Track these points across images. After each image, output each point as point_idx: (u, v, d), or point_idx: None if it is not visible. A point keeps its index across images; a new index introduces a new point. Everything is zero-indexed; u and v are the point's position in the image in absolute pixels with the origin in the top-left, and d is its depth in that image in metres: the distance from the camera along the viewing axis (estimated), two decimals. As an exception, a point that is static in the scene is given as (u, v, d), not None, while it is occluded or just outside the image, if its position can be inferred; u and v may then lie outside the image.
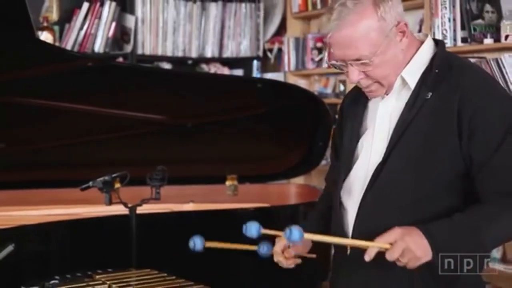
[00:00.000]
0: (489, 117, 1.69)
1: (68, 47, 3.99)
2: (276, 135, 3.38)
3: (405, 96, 1.78)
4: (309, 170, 3.60)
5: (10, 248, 2.24)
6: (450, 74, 1.74)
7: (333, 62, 1.80)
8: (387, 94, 1.81)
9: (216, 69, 4.54)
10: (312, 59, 4.31)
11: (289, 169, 3.51)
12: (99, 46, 4.08)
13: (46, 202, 3.11)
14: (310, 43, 4.31)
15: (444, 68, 1.75)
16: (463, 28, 3.17)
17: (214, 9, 4.46)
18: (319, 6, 4.21)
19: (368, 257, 1.64)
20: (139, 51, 4.24)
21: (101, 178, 2.49)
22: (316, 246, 1.96)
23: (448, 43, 3.17)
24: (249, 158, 3.39)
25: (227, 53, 4.54)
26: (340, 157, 1.92)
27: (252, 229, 1.83)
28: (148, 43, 4.26)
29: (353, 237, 1.80)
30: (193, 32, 4.40)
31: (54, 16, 4.02)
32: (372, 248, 1.64)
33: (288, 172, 3.57)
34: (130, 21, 4.20)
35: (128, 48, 4.20)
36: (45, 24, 3.93)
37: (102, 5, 4.09)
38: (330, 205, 1.94)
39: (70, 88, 2.89)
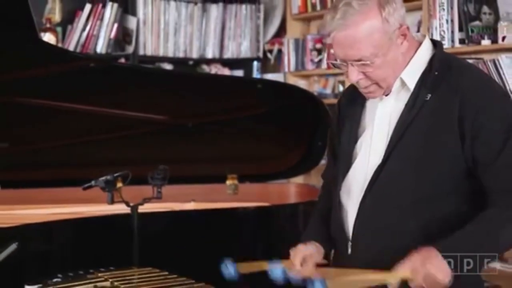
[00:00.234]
0: (490, 117, 1.69)
1: (71, 48, 4.00)
2: (276, 135, 3.39)
3: (404, 97, 1.78)
4: (308, 169, 3.61)
5: (13, 246, 2.20)
6: (450, 75, 1.74)
7: (333, 61, 1.79)
8: (385, 95, 1.80)
9: (216, 69, 4.54)
10: (312, 60, 4.31)
11: (289, 168, 3.52)
12: (101, 47, 4.09)
13: (49, 201, 3.12)
14: (310, 44, 4.31)
15: (444, 69, 1.75)
16: (460, 29, 3.19)
17: (214, 11, 4.47)
18: (318, 7, 4.21)
19: None
20: (141, 52, 4.25)
21: (103, 178, 2.49)
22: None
23: (446, 44, 3.18)
24: (249, 157, 3.40)
25: (228, 54, 4.54)
26: (338, 157, 1.92)
27: (277, 273, 1.84)
28: (150, 44, 4.27)
29: (353, 238, 1.80)
30: (194, 33, 4.41)
31: (57, 17, 4.02)
32: (395, 281, 1.63)
33: (288, 172, 3.57)
34: (132, 22, 4.21)
35: (130, 49, 4.21)
36: (48, 25, 3.94)
37: (104, 6, 4.10)
38: (330, 206, 1.94)
39: (73, 88, 2.90)
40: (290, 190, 3.70)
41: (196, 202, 3.27)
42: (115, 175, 2.52)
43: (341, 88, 4.21)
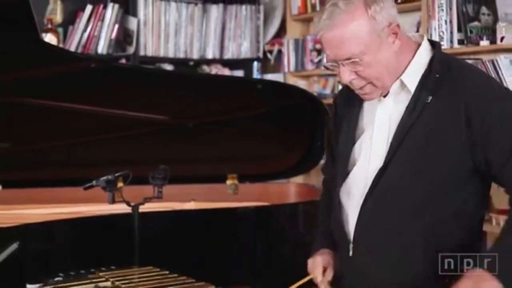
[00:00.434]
0: (499, 117, 1.69)
1: (72, 48, 4.00)
2: (276, 135, 3.40)
3: (403, 99, 1.77)
4: (308, 169, 3.62)
5: (14, 246, 2.23)
6: (450, 77, 1.73)
7: (325, 64, 1.81)
8: (383, 97, 1.80)
9: (217, 70, 4.54)
10: (311, 61, 4.31)
11: (289, 168, 3.53)
12: (102, 47, 4.09)
13: (50, 201, 3.13)
14: (310, 45, 4.32)
15: (444, 71, 1.74)
16: (459, 30, 3.18)
17: (215, 11, 4.47)
18: (318, 8, 4.20)
19: None
20: (142, 53, 4.25)
21: (104, 177, 2.50)
22: None
23: (445, 45, 3.18)
24: (249, 157, 3.41)
25: (228, 55, 4.55)
26: (336, 158, 1.91)
27: None
28: (150, 44, 4.27)
29: (354, 240, 1.80)
30: (194, 34, 4.42)
31: (58, 18, 4.03)
32: None
33: (287, 172, 3.58)
34: (132, 23, 4.21)
35: (131, 49, 4.21)
36: (49, 26, 3.94)
37: (105, 7, 4.10)
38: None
39: (74, 88, 2.90)
40: (290, 190, 3.71)
41: (196, 202, 3.28)
42: (116, 175, 2.53)
43: (340, 89, 4.21)
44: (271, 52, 4.69)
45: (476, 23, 3.18)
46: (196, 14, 4.42)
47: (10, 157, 3.06)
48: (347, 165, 1.85)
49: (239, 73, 4.68)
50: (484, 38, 3.15)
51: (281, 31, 4.65)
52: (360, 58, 1.71)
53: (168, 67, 4.39)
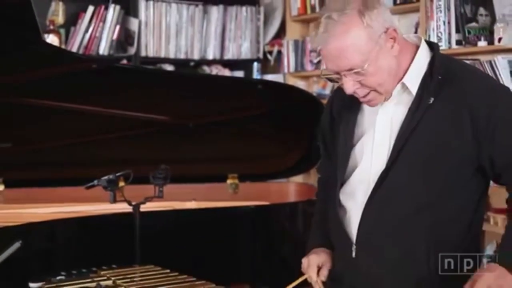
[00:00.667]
0: (503, 117, 1.69)
1: (74, 49, 4.00)
2: (275, 135, 3.41)
3: (405, 101, 1.77)
4: (308, 169, 3.64)
5: (17, 244, 2.21)
6: (451, 79, 1.73)
7: (328, 75, 1.78)
8: (386, 101, 1.79)
9: (217, 70, 4.54)
10: (311, 61, 4.30)
11: (289, 168, 3.55)
12: (103, 48, 4.10)
13: (52, 200, 3.14)
14: (309, 46, 4.28)
15: (445, 73, 1.74)
16: (457, 31, 3.18)
17: (215, 13, 4.48)
18: (317, 9, 4.20)
19: None
20: (143, 53, 4.25)
21: (106, 177, 2.51)
22: None
23: (443, 45, 3.18)
24: (250, 157, 3.42)
25: (228, 55, 4.55)
26: (335, 158, 1.91)
27: None
28: (152, 45, 4.28)
29: (358, 242, 1.79)
30: (195, 35, 4.42)
31: (60, 19, 4.03)
32: None
33: (287, 171, 3.60)
34: (134, 24, 4.22)
35: (132, 50, 4.21)
36: (51, 27, 3.94)
37: (106, 8, 4.11)
38: (329, 206, 1.94)
39: (76, 89, 2.92)
40: (290, 189, 3.74)
41: (197, 201, 3.29)
42: (118, 174, 2.54)
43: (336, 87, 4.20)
44: (271, 52, 4.69)
45: (474, 24, 3.18)
46: (196, 15, 4.43)
47: (13, 157, 3.07)
48: (347, 167, 1.85)
49: (239, 73, 4.68)
50: (482, 38, 3.15)
51: (281, 32, 4.65)
52: (362, 67, 1.69)
53: (169, 67, 4.39)
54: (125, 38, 4.26)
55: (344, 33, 1.68)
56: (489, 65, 2.97)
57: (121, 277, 2.13)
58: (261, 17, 4.63)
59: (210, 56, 4.51)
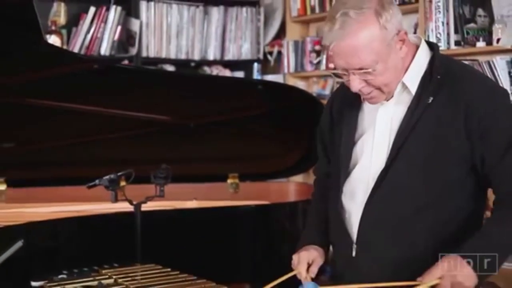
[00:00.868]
0: (495, 118, 1.71)
1: (75, 50, 4.01)
2: (276, 135, 3.41)
3: (404, 100, 1.79)
4: (308, 169, 3.60)
5: (19, 243, 2.24)
6: (451, 79, 1.75)
7: (334, 71, 1.78)
8: (387, 100, 1.80)
9: (218, 71, 4.55)
10: (311, 62, 4.32)
11: (289, 168, 3.55)
12: (105, 49, 4.12)
13: (54, 199, 3.14)
14: (309, 46, 4.32)
15: (444, 73, 1.75)
16: (456, 31, 3.20)
17: (216, 13, 4.49)
18: (317, 10, 4.22)
19: None
20: (144, 54, 4.27)
21: (107, 177, 2.50)
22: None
23: (442, 46, 3.20)
24: (250, 157, 3.42)
25: (229, 56, 4.57)
26: (335, 160, 1.92)
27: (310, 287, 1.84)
28: (153, 46, 4.29)
29: (358, 241, 1.81)
30: (195, 36, 4.44)
31: (62, 20, 4.04)
32: None
33: (287, 171, 3.60)
34: (135, 25, 4.23)
35: (133, 51, 4.23)
36: (53, 27, 3.96)
37: (108, 9, 4.12)
38: (325, 206, 1.96)
39: (77, 89, 2.92)
40: (290, 188, 3.74)
41: (197, 201, 3.29)
42: (119, 174, 2.54)
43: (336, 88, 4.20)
44: (271, 53, 4.70)
45: (472, 25, 3.20)
46: (197, 16, 4.44)
47: (15, 156, 3.08)
48: (349, 165, 1.86)
49: (240, 74, 4.69)
50: (481, 39, 3.17)
51: (281, 32, 4.66)
52: (373, 68, 1.70)
53: (170, 68, 4.40)
54: (126, 38, 4.27)
55: (360, 32, 1.68)
56: (488, 66, 2.99)
57: (122, 275, 2.12)
58: (261, 18, 4.64)
59: (210, 56, 4.52)
